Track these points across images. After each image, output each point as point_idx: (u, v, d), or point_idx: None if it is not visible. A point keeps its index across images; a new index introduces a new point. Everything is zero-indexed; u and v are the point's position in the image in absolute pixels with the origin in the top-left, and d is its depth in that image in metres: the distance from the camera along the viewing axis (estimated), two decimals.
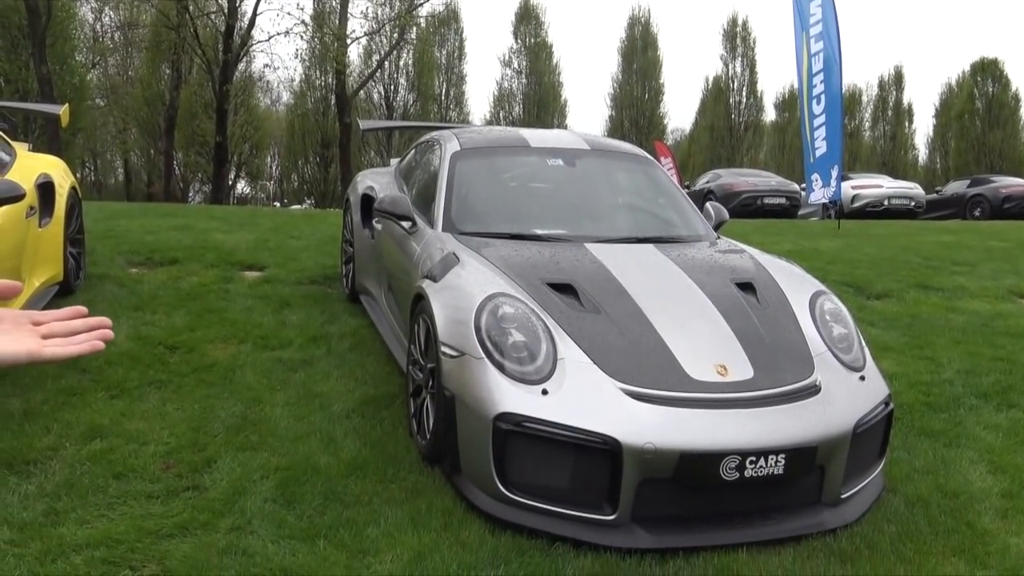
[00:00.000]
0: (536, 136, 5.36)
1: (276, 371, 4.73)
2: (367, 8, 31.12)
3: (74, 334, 1.02)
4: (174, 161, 35.28)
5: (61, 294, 5.77)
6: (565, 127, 41.03)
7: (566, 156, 5.09)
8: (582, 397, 3.20)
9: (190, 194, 39.57)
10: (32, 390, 4.22)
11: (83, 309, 1.07)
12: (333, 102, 33.08)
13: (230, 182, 37.11)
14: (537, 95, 43.08)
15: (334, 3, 26.77)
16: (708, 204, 5.19)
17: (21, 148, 6.04)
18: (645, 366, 3.34)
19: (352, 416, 4.16)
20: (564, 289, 3.74)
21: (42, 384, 4.28)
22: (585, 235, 4.44)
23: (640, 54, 44.72)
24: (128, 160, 41.02)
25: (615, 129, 43.39)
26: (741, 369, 3.37)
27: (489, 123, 39.61)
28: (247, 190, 45.75)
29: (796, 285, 4.06)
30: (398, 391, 4.44)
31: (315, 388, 4.50)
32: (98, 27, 36.52)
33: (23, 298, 5.00)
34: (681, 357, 3.39)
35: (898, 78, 48.71)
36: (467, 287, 3.70)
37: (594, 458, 3.08)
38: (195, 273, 6.80)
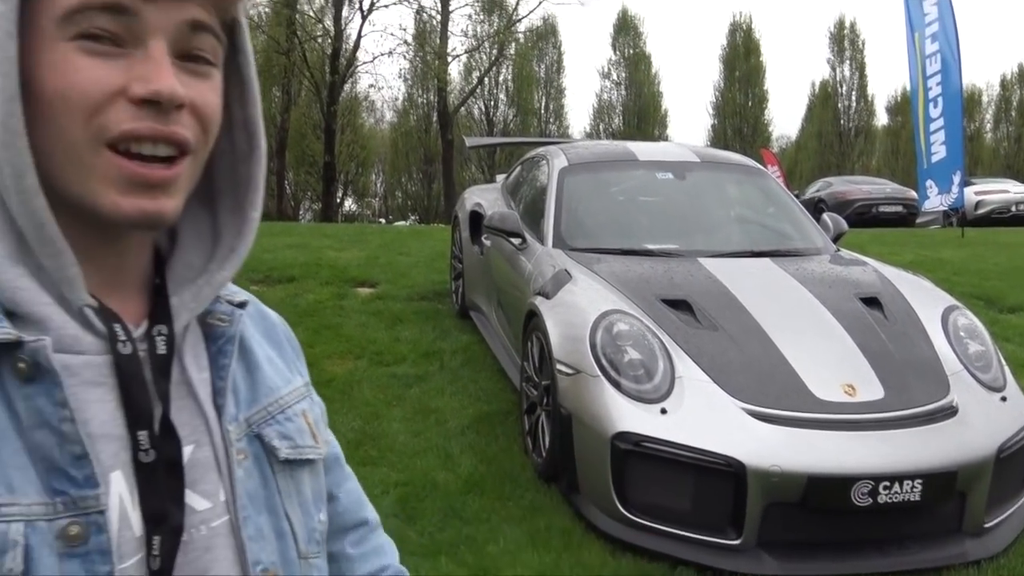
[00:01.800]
0: (644, 149, 5.31)
1: (392, 386, 4.82)
2: (467, 26, 31.57)
3: None
4: (285, 180, 36.68)
5: None
6: (666, 138, 40.67)
7: (675, 169, 5.02)
8: (703, 417, 3.13)
9: (300, 212, 41.04)
10: None
11: None
12: (435, 119, 33.76)
13: (338, 200, 38.30)
14: (637, 106, 42.79)
15: (435, 22, 27.34)
16: (825, 215, 5.03)
17: None
18: (768, 385, 3.24)
19: (467, 432, 4.19)
20: (679, 305, 3.68)
21: None
22: (698, 249, 4.36)
23: (742, 60, 43.85)
24: None
25: (718, 138, 42.63)
26: (870, 389, 3.23)
27: (589, 135, 39.58)
28: (354, 207, 47.10)
29: (926, 299, 3.88)
30: (512, 408, 4.45)
31: (430, 404, 4.57)
32: None
33: None
34: (805, 376, 3.27)
35: (1022, 76, 46.12)
36: (581, 304, 3.69)
37: (717, 480, 3.01)
38: (311, 290, 7.02)
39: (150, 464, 0.63)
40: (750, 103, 43.94)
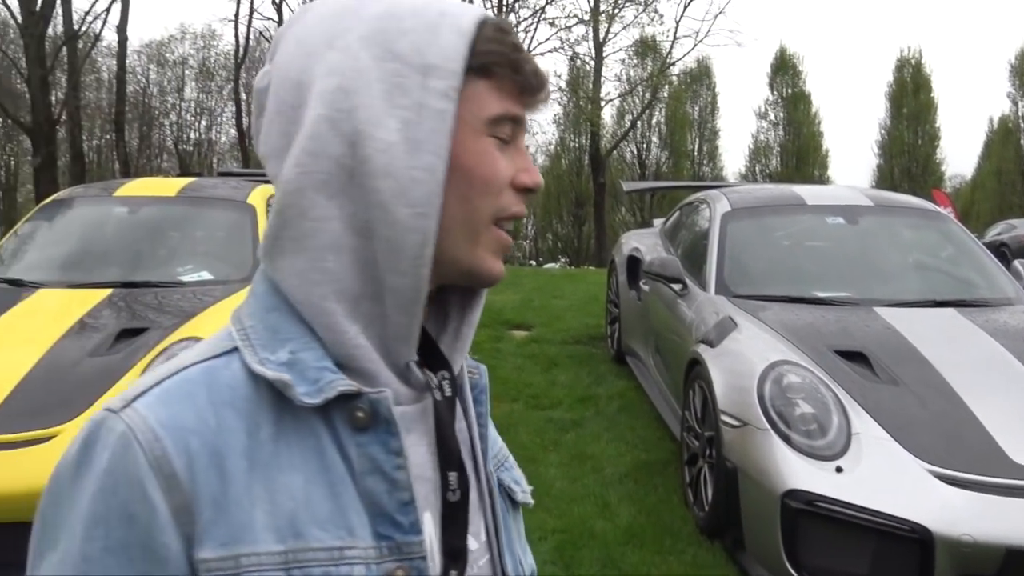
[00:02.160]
0: (812, 193, 5.12)
1: (548, 431, 4.82)
2: (620, 70, 31.73)
3: None
4: None
5: None
6: (827, 179, 39.13)
7: (847, 213, 4.79)
8: (883, 477, 2.93)
9: None
10: None
11: None
12: (587, 162, 34.01)
13: None
14: (795, 147, 41.45)
15: (588, 68, 27.67)
16: (1016, 262, 4.65)
17: None
18: (956, 446, 3.00)
19: (625, 481, 4.12)
20: (854, 357, 3.49)
21: None
22: (874, 298, 4.13)
23: (911, 97, 41.69)
24: None
25: (884, 179, 40.57)
26: None
27: (744, 177, 38.64)
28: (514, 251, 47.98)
29: None
30: (671, 457, 4.34)
31: (586, 450, 4.53)
32: None
33: None
34: (999, 437, 3.01)
35: None
36: (747, 353, 3.56)
37: (900, 547, 2.80)
38: None
39: (455, 504, 0.70)
40: (920, 141, 41.61)
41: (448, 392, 0.72)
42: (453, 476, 0.69)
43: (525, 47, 0.73)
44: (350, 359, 0.66)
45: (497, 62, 0.70)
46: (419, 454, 0.69)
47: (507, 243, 0.71)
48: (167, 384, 0.64)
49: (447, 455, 0.70)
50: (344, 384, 0.64)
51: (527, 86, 0.72)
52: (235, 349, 0.66)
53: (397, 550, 0.65)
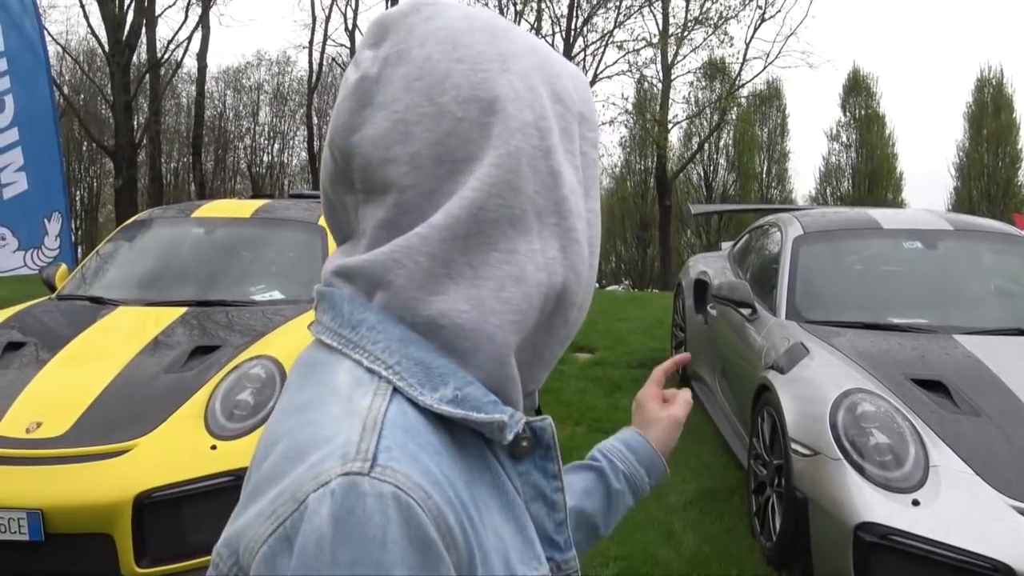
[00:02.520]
0: (888, 216, 4.98)
1: None
2: (688, 93, 31.51)
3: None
4: None
5: None
6: (901, 202, 38.08)
7: (925, 238, 4.64)
8: (963, 512, 2.80)
9: None
10: None
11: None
12: (653, 185, 33.79)
13: None
14: (868, 169, 40.46)
15: (656, 90, 27.55)
16: None
17: None
18: None
19: (689, 508, 4.03)
20: (933, 386, 3.36)
21: None
22: (953, 325, 3.98)
23: (991, 118, 40.34)
24: None
25: (961, 202, 39.27)
26: None
27: (814, 200, 37.87)
28: None
29: None
30: (737, 485, 4.24)
31: None
32: None
33: None
34: None
35: None
36: (819, 380, 3.47)
37: None
38: None
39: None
40: (1000, 163, 40.23)
41: (535, 406, 0.75)
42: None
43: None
44: (502, 389, 0.65)
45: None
46: None
47: None
48: (391, 436, 0.57)
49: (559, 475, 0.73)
50: (524, 418, 0.66)
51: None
52: (395, 390, 0.61)
53: (557, 569, 0.69)
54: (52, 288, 4.77)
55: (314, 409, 0.61)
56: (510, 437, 0.63)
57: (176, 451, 3.16)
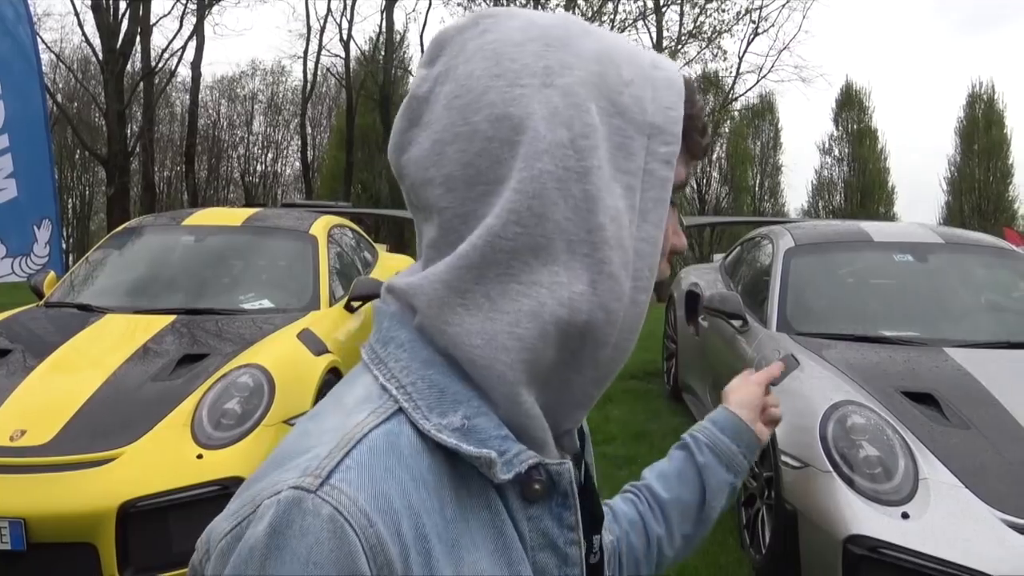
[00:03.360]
0: (879, 229, 4.99)
1: (602, 466, 4.72)
2: None
3: None
4: None
5: None
6: (893, 216, 38.24)
7: (916, 251, 4.65)
8: (953, 526, 2.79)
9: None
10: None
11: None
12: None
13: None
14: (860, 183, 40.66)
15: None
16: None
17: (381, 250, 6.84)
18: None
19: None
20: (923, 399, 3.36)
21: None
22: (943, 338, 3.98)
23: (982, 133, 40.62)
24: None
25: (953, 216, 39.47)
26: None
27: (806, 213, 38.01)
28: None
29: None
30: None
31: None
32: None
33: None
34: None
35: None
36: (809, 393, 3.46)
37: None
38: None
39: (595, 565, 0.70)
40: (991, 178, 40.48)
41: (577, 447, 0.70)
42: (596, 539, 0.68)
43: None
44: (522, 428, 0.61)
45: (696, 127, 0.68)
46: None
47: None
48: (358, 456, 0.56)
49: (591, 518, 0.67)
50: (532, 457, 0.60)
51: (703, 150, 0.71)
52: (400, 410, 0.60)
53: None
54: (40, 295, 4.75)
55: (317, 419, 0.61)
56: (504, 476, 0.59)
57: (162, 460, 3.13)
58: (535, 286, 0.60)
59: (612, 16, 23.42)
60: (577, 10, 23.54)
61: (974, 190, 40.96)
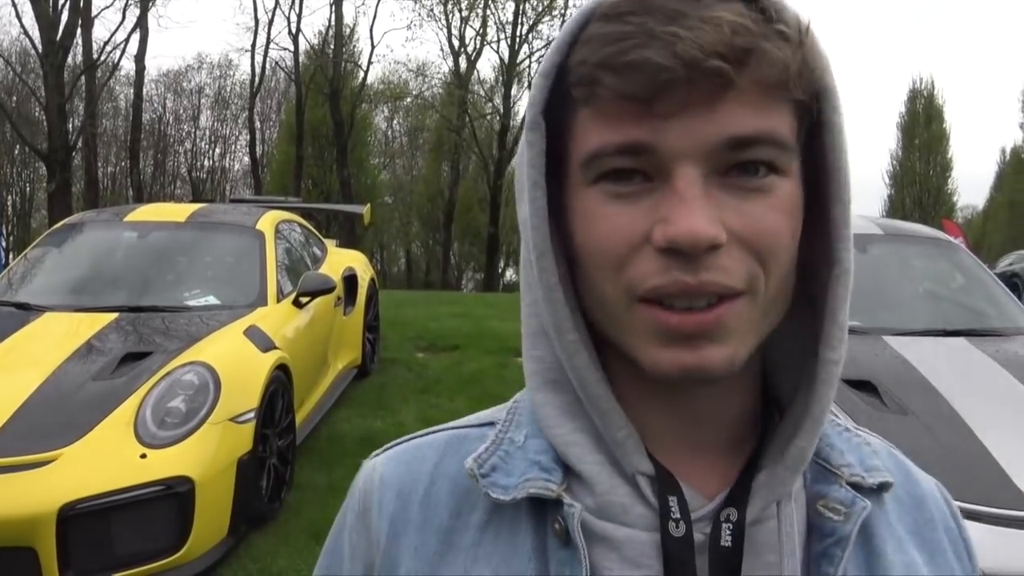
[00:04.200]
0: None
1: None
2: None
3: None
4: (451, 251, 38.03)
5: (359, 377, 6.30)
6: None
7: (856, 241, 4.71)
8: None
9: (463, 281, 42.27)
10: (335, 467, 4.58)
11: None
12: None
13: (500, 270, 39.19)
14: None
15: None
16: None
17: (330, 244, 6.78)
18: (966, 478, 2.94)
19: None
20: (862, 386, 3.44)
21: (342, 461, 4.64)
22: (882, 327, 4.08)
23: (923, 128, 41.71)
24: (410, 251, 44.82)
25: (895, 209, 40.49)
26: None
27: None
28: (515, 278, 48.05)
29: None
30: None
31: None
32: (388, 133, 40.78)
33: (328, 380, 5.51)
34: (1011, 469, 2.95)
35: None
36: None
37: None
38: (474, 358, 7.14)
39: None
40: (931, 172, 41.59)
41: (726, 540, 0.52)
42: None
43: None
44: (566, 458, 0.55)
45: (591, 75, 0.49)
46: None
47: (667, 324, 0.50)
48: (414, 442, 0.64)
49: None
50: (537, 487, 0.54)
51: (649, 85, 0.47)
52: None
53: None
54: None
55: None
56: (502, 497, 0.55)
57: (103, 460, 3.07)
58: (532, 305, 0.61)
59: (563, 11, 23.51)
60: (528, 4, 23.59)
61: (915, 183, 42.06)
